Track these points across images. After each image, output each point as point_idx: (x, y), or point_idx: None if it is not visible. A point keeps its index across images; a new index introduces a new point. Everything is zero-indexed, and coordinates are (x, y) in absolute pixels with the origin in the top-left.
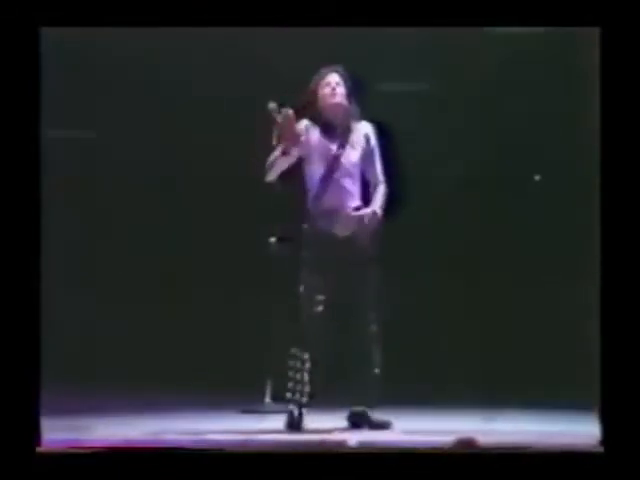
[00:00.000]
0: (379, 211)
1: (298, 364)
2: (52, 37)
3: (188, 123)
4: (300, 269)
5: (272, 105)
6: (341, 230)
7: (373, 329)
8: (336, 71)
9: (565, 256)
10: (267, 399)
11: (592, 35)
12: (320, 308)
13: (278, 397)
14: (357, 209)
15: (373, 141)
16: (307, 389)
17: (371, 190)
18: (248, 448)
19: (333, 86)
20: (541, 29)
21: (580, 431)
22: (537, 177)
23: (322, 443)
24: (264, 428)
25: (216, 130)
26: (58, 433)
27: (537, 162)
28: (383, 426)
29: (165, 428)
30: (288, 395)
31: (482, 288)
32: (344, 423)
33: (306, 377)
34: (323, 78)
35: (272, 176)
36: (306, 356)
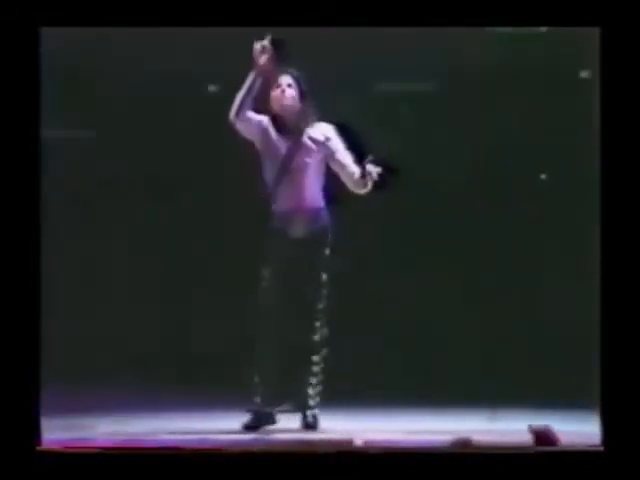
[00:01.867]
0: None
1: (258, 363)
2: (52, 37)
3: (189, 123)
4: (260, 268)
5: (265, 42)
6: (294, 231)
7: (323, 332)
8: (288, 72)
9: (565, 256)
10: None
11: (592, 35)
12: (274, 308)
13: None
14: (314, 210)
15: (334, 143)
16: (264, 389)
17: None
18: (251, 448)
19: (283, 88)
20: (541, 29)
21: (580, 431)
22: (543, 176)
23: (327, 442)
24: (268, 428)
25: (217, 130)
26: (58, 433)
27: (537, 162)
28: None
29: (166, 428)
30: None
31: (482, 288)
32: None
33: (261, 377)
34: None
35: (234, 110)
36: (263, 356)
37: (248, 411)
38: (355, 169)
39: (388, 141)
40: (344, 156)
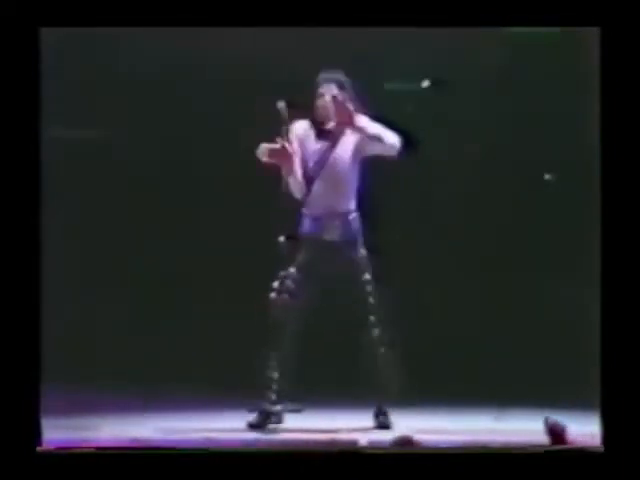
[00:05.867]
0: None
1: (268, 366)
2: (52, 37)
3: (189, 122)
4: (282, 268)
5: (281, 104)
6: (328, 233)
7: (376, 332)
8: (334, 80)
9: (566, 256)
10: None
11: (592, 35)
12: (289, 310)
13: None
14: (347, 213)
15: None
16: (273, 390)
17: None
18: (253, 447)
19: (327, 99)
20: (541, 29)
21: (580, 431)
22: (547, 176)
23: (332, 442)
24: (272, 427)
25: (219, 130)
26: (58, 433)
27: (537, 162)
28: (385, 427)
29: (166, 428)
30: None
31: (483, 287)
32: (353, 423)
33: (273, 378)
34: (320, 86)
35: (297, 195)
36: (274, 357)
37: (255, 410)
38: (389, 133)
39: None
40: (374, 126)
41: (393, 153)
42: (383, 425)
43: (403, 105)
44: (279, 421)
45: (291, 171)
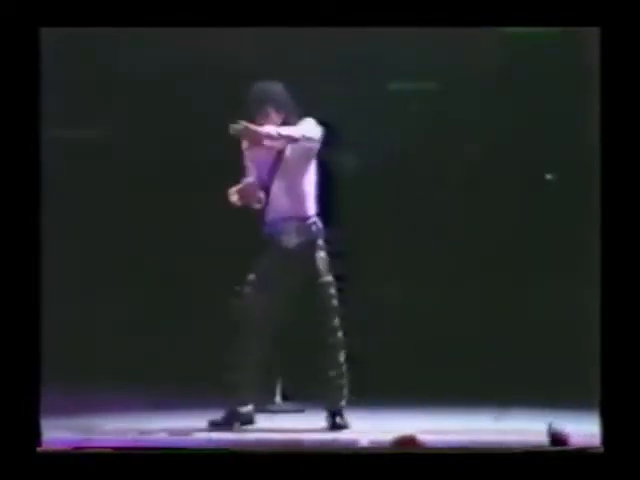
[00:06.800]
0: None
1: (234, 367)
2: (52, 37)
3: (189, 122)
4: (248, 272)
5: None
6: (287, 239)
7: (335, 337)
8: (253, 102)
9: (566, 256)
10: (277, 398)
11: (592, 35)
12: (251, 313)
13: (288, 396)
14: (306, 218)
15: (312, 141)
16: (241, 392)
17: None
18: (254, 448)
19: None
20: (541, 29)
21: (580, 431)
22: (548, 176)
23: (333, 442)
24: (274, 427)
25: (219, 130)
26: (58, 433)
27: (537, 162)
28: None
29: (168, 427)
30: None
31: (483, 287)
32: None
33: (238, 380)
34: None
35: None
36: (239, 359)
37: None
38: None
39: (391, 139)
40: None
41: (314, 145)
42: (340, 426)
43: (403, 105)
44: (250, 421)
45: (261, 199)
